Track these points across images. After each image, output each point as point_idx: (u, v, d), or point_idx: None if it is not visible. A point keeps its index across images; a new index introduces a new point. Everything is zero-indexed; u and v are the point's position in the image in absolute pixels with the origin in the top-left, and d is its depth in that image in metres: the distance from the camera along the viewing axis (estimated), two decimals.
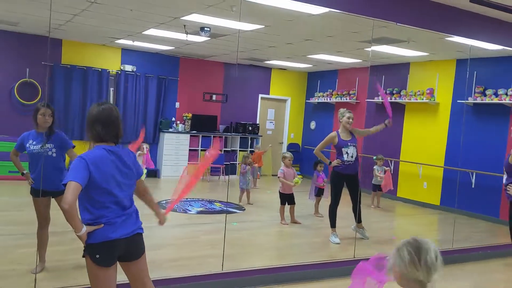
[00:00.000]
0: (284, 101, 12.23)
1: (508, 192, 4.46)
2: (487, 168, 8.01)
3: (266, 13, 5.89)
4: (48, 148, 4.11)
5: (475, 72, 8.32)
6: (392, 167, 9.59)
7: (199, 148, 10.87)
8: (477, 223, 7.84)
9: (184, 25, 7.00)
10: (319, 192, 7.41)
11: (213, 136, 11.00)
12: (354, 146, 5.85)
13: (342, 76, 11.26)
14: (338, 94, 11.12)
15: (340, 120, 6.07)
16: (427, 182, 9.12)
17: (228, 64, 11.33)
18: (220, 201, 8.20)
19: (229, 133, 11.29)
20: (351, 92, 10.83)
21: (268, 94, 11.96)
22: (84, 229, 2.39)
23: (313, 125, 12.02)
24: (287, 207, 6.80)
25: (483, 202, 8.09)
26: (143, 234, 2.70)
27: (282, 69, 11.84)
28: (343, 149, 5.80)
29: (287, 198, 6.74)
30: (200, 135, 10.86)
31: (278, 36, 7.57)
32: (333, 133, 5.98)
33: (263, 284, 4.21)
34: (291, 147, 12.21)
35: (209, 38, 8.02)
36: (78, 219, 2.35)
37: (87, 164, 2.41)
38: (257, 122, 11.69)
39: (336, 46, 8.24)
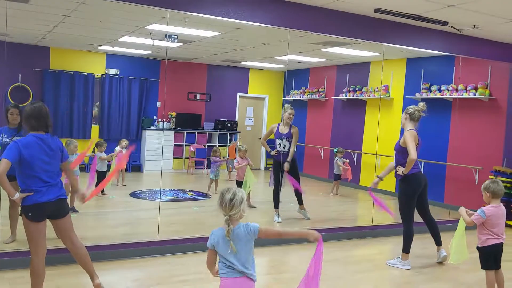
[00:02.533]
0: (262, 99, 13.08)
1: (397, 172, 5.26)
2: (433, 157, 8.77)
3: (214, 23, 6.74)
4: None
5: (422, 69, 9.10)
6: (355, 159, 10.40)
7: (184, 144, 11.78)
8: None
9: (150, 33, 7.90)
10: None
11: (197, 133, 11.92)
12: (287, 139, 6.70)
13: (313, 74, 12.07)
14: (309, 92, 11.94)
15: (283, 115, 6.93)
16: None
17: (211, 66, 12.22)
18: (193, 191, 9.10)
19: (211, 130, 12.17)
20: (320, 89, 11.64)
21: (247, 92, 12.82)
22: (17, 195, 3.30)
23: None
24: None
25: (429, 188, 8.82)
26: (66, 199, 3.60)
27: (259, 69, 12.68)
28: (276, 140, 6.67)
29: (240, 183, 7.62)
30: (185, 132, 11.77)
31: (238, 41, 8.43)
32: (274, 125, 6.87)
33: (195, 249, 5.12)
34: (270, 142, 13.02)
35: (181, 44, 8.92)
36: (9, 186, 3.25)
37: (19, 147, 3.32)
38: (236, 119, 12.56)
39: (294, 48, 9.06)
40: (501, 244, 4.11)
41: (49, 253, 3.62)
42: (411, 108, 5.26)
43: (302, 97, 12.10)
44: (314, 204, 8.08)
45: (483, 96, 7.97)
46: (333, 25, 5.77)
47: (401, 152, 5.22)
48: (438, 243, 5.41)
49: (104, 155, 7.80)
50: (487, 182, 4.21)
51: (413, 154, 4.94)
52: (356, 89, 10.54)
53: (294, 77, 12.69)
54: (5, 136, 5.04)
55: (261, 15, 5.33)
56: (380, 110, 10.07)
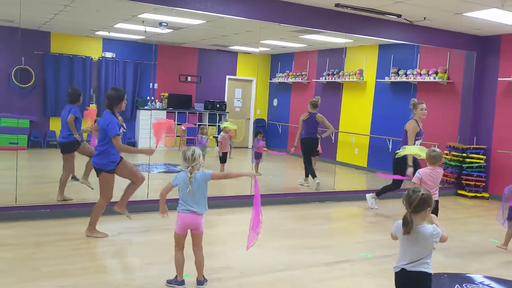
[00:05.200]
0: (250, 81, 13.91)
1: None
2: (400, 135, 9.66)
3: (199, 13, 7.55)
4: None
5: (392, 55, 9.95)
6: (333, 137, 11.30)
7: (176, 123, 12.64)
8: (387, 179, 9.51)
9: (143, 21, 8.71)
10: (257, 156, 9.17)
11: (188, 112, 12.79)
12: None
13: (297, 58, 12.89)
14: (293, 75, 12.78)
15: None
16: (358, 149, 10.84)
17: (202, 49, 13.02)
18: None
19: (201, 110, 13.03)
20: (303, 73, 12.49)
21: (235, 75, 13.65)
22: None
23: (275, 102, 13.71)
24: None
25: None
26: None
27: (247, 53, 13.49)
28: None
29: (224, 157, 8.53)
30: (176, 112, 12.63)
31: (223, 28, 9.25)
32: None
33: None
34: (258, 122, 13.94)
35: (172, 30, 9.73)
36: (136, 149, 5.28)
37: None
38: (225, 100, 13.42)
39: (276, 34, 9.88)
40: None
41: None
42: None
43: (287, 80, 12.94)
44: (292, 175, 9.03)
45: (441, 80, 8.84)
46: (300, 17, 6.61)
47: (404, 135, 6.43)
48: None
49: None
50: (427, 150, 5.10)
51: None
52: (334, 72, 11.39)
53: (280, 61, 13.51)
54: None
55: (235, 9, 6.17)
56: (355, 92, 10.96)
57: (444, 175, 8.68)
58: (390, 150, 9.99)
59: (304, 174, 8.36)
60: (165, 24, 8.82)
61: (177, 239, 3.61)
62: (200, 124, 12.71)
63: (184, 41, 11.86)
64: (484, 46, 8.48)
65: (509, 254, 5.05)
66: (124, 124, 8.98)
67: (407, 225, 2.73)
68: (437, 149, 5.05)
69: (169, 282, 3.67)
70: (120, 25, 9.45)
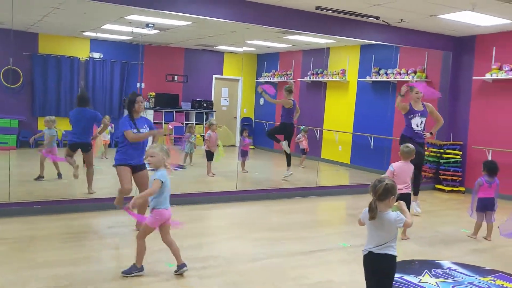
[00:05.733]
0: (237, 80, 14.16)
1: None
2: (380, 132, 10.02)
3: (184, 16, 7.79)
4: None
5: (373, 55, 10.28)
6: (317, 135, 11.61)
7: (163, 122, 12.85)
8: (369, 175, 9.80)
9: (129, 22, 8.91)
10: (243, 154, 9.43)
11: (175, 111, 12.99)
12: None
13: (282, 58, 13.17)
14: (279, 74, 13.06)
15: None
16: (342, 146, 11.15)
17: (188, 49, 13.24)
18: (170, 163, 10.22)
19: (188, 109, 13.24)
20: (288, 72, 12.77)
21: (222, 74, 13.89)
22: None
23: (261, 101, 13.97)
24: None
25: (378, 158, 10.06)
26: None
27: (233, 52, 13.73)
28: None
29: (211, 155, 8.77)
30: (163, 111, 12.83)
31: (208, 29, 9.49)
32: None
33: None
34: (245, 120, 14.19)
35: (158, 31, 9.94)
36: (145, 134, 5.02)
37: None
38: (212, 100, 13.65)
39: (260, 35, 10.14)
40: (404, 194, 5.26)
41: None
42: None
43: (273, 79, 13.21)
44: (277, 172, 9.30)
45: (420, 79, 9.18)
46: (282, 20, 6.89)
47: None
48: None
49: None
50: (401, 146, 5.40)
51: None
52: (318, 72, 11.69)
53: (266, 60, 13.78)
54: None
55: (220, 12, 6.43)
56: (338, 91, 11.27)
57: (422, 171, 9.03)
58: (371, 147, 10.34)
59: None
60: (152, 25, 9.03)
61: (149, 232, 3.93)
62: (188, 123, 12.94)
63: (171, 41, 12.07)
64: (460, 47, 8.84)
65: (478, 243, 5.37)
66: (113, 124, 9.24)
67: (372, 212, 3.01)
68: (410, 145, 5.35)
69: (127, 272, 3.86)
70: (107, 26, 9.64)
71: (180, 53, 13.20)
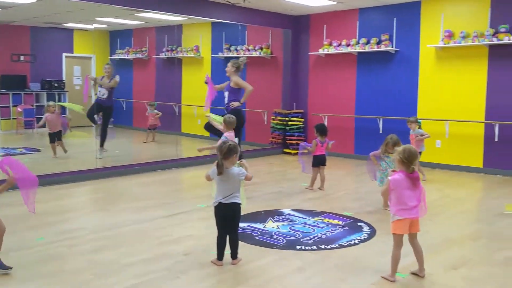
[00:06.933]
0: (89, 58, 13.79)
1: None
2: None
3: None
4: None
5: (223, 32, 10.94)
6: (176, 110, 12.00)
7: (11, 105, 12.05)
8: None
9: None
10: None
11: (24, 93, 12.25)
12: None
13: (136, 35, 13.18)
14: (133, 51, 13.07)
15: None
16: (200, 120, 11.74)
17: (34, 27, 12.48)
18: (23, 147, 9.81)
19: (38, 90, 12.58)
20: (143, 49, 12.86)
21: (72, 52, 13.41)
22: None
23: (117, 78, 13.81)
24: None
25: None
26: None
27: (84, 30, 13.31)
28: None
29: (52, 136, 8.68)
30: (10, 93, 12.02)
31: (56, 6, 9.20)
32: None
33: None
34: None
35: (0, 9, 9.32)
36: None
37: None
38: (63, 79, 13.15)
39: (112, 12, 10.09)
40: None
41: None
42: (237, 62, 7.08)
43: (127, 56, 13.18)
44: (136, 148, 9.53)
45: (266, 55, 10.11)
46: None
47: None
48: None
49: None
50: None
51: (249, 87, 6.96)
52: (173, 48, 12.02)
53: (119, 37, 13.62)
54: None
55: None
56: (193, 67, 11.77)
57: (272, 137, 10.09)
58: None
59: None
60: None
61: None
62: (39, 105, 12.33)
63: (15, 19, 11.29)
64: (297, 25, 9.92)
65: (313, 193, 6.39)
66: None
67: (219, 168, 3.61)
68: (233, 116, 6.18)
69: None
70: None
71: (26, 31, 12.38)
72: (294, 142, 9.75)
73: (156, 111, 10.99)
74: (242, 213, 3.89)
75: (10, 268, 3.54)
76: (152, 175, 7.62)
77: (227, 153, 3.64)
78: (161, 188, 6.77)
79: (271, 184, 6.98)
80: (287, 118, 9.83)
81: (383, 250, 3.97)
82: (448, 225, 4.93)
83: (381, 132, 8.74)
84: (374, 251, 4.13)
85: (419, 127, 7.16)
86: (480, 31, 7.62)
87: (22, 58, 12.51)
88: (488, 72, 7.72)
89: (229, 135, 5.98)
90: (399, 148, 3.47)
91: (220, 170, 3.63)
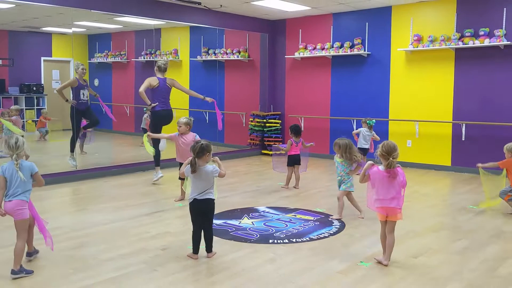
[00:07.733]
0: (68, 62, 13.82)
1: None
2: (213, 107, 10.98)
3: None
4: None
5: (202, 36, 11.13)
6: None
7: None
8: None
9: None
10: (82, 135, 9.54)
11: (2, 97, 12.24)
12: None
13: (115, 39, 13.28)
14: (112, 55, 13.16)
15: (77, 71, 8.31)
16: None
17: (12, 32, 12.49)
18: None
19: (17, 94, 12.58)
20: (122, 52, 12.96)
21: (51, 56, 13.43)
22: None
23: (96, 82, 13.91)
24: None
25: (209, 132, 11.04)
26: None
27: (62, 34, 13.35)
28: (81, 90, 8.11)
29: None
30: None
31: (34, 11, 9.26)
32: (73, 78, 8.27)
33: None
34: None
35: None
36: None
37: None
38: (42, 83, 13.17)
39: (90, 16, 10.20)
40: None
41: None
42: (160, 61, 7.34)
43: (106, 59, 13.26)
44: (115, 151, 9.63)
45: (243, 58, 10.33)
46: (111, 4, 7.25)
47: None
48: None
49: None
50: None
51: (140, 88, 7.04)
52: (152, 52, 12.15)
53: (97, 41, 13.70)
54: None
55: None
56: (172, 70, 11.89)
57: (250, 139, 10.31)
58: (207, 122, 11.28)
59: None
60: None
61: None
62: (22, 109, 12.32)
63: None
64: (274, 29, 10.17)
65: (288, 191, 6.62)
66: None
67: (193, 166, 3.81)
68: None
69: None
70: None
71: (4, 35, 12.38)
72: (272, 143, 9.96)
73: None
74: (216, 208, 4.10)
75: (31, 271, 3.63)
76: (131, 176, 7.77)
77: (200, 152, 3.84)
78: (139, 188, 6.92)
79: (249, 183, 7.19)
80: (264, 120, 10.06)
81: (349, 242, 4.20)
82: (413, 218, 5.21)
83: None
84: (342, 243, 4.38)
85: (370, 127, 7.71)
86: (447, 35, 7.99)
87: (0, 62, 12.50)
88: (455, 74, 8.09)
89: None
90: (380, 144, 3.75)
91: (194, 168, 3.82)
